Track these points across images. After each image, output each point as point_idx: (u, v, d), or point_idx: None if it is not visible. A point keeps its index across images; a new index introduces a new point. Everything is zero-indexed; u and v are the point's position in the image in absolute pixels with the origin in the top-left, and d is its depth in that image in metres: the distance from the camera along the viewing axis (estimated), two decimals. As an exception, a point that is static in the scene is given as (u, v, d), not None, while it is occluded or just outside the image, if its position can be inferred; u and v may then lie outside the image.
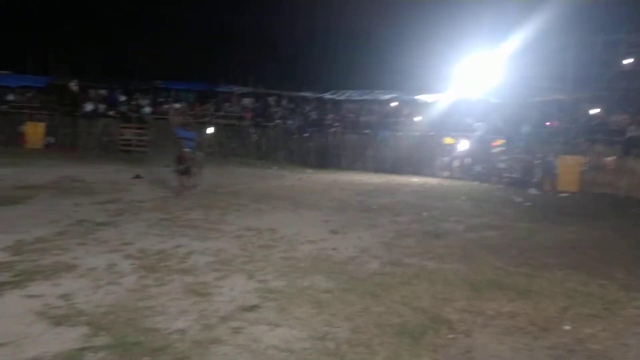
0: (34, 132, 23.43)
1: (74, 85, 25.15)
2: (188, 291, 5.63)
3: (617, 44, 19.78)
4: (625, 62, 19.69)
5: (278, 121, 25.19)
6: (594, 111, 18.98)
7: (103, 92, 26.68)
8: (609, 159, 15.59)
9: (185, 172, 12.33)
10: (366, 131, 22.91)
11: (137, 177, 15.02)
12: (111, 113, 25.06)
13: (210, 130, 23.43)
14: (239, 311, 5.14)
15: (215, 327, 4.72)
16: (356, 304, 5.45)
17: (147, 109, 25.56)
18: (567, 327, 5.06)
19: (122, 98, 26.39)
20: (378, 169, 20.78)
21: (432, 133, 20.90)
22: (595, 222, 10.72)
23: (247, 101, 27.29)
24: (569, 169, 15.98)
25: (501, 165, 18.17)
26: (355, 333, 4.72)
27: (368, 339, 4.60)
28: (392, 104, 24.92)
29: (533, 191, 15.79)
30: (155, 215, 9.74)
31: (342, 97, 25.78)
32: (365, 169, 21.15)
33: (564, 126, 18.60)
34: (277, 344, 4.42)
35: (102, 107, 25.47)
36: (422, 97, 23.32)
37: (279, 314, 5.11)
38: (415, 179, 18.44)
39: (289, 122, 25.06)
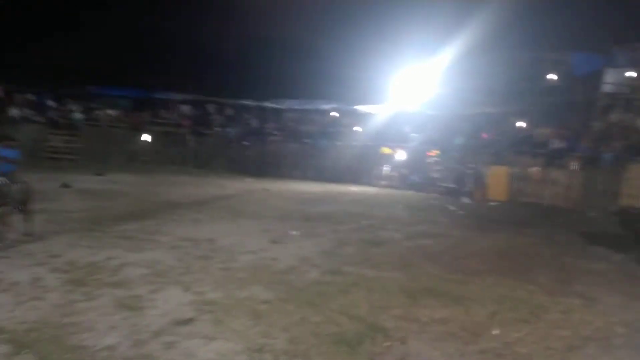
0: (-48, 138, 21.87)
1: None
2: (119, 305, 5.40)
3: (542, 61, 21.06)
4: (549, 78, 20.99)
5: (217, 129, 24.85)
6: (520, 124, 20.01)
7: (31, 97, 25.33)
8: (534, 169, 16.46)
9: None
10: (306, 140, 23.03)
11: (65, 185, 14.32)
12: (39, 119, 23.82)
13: (146, 137, 22.80)
14: (173, 325, 4.98)
15: (147, 343, 4.55)
16: (294, 314, 5.43)
17: (79, 115, 24.49)
18: (496, 332, 5.25)
19: (52, 103, 25.15)
20: (318, 178, 20.91)
21: (371, 143, 21.31)
22: (522, 230, 11.27)
23: (185, 108, 26.73)
24: (498, 179, 16.74)
25: (436, 175, 18.79)
26: (292, 344, 4.70)
27: (305, 350, 4.59)
28: (332, 114, 25.23)
29: (466, 200, 16.42)
30: (85, 225, 9.31)
31: (283, 106, 25.82)
32: (305, 178, 21.22)
33: (494, 138, 19.49)
34: (213, 358, 4.32)
35: (29, 112, 24.17)
36: (361, 108, 23.75)
37: (215, 326, 5.00)
38: (355, 188, 18.70)
39: (229, 130, 24.78)
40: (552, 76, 20.98)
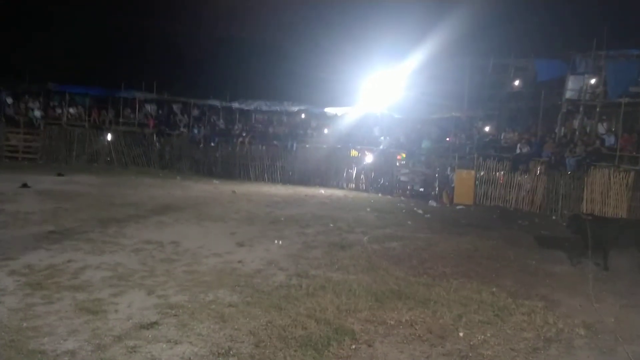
0: None
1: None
2: (80, 309, 5.25)
3: (507, 67, 21.59)
4: (514, 83, 21.52)
5: (183, 129, 24.45)
6: (486, 129, 20.42)
7: (-14, 93, 24.38)
8: (500, 173, 16.81)
9: None
10: (275, 142, 22.91)
11: (25, 186, 13.83)
12: (-5, 116, 22.96)
13: (109, 137, 22.25)
14: (136, 329, 4.86)
15: (109, 347, 4.43)
16: (261, 317, 5.37)
17: (38, 113, 23.70)
18: (462, 334, 5.32)
19: (9, 100, 24.26)
20: (286, 181, 20.83)
21: (339, 146, 21.36)
22: (487, 233, 11.46)
23: (150, 108, 26.21)
24: (464, 182, 17.02)
25: (403, 178, 18.95)
26: (258, 347, 4.65)
27: (272, 353, 4.54)
28: (301, 116, 25.19)
29: (432, 203, 16.62)
30: (45, 227, 9.01)
31: (251, 107, 25.58)
32: (273, 180, 21.12)
33: (460, 142, 19.82)
34: (177, 363, 4.24)
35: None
36: (330, 110, 23.80)
37: (180, 330, 4.91)
38: (323, 191, 18.70)
39: (195, 130, 24.42)
40: (517, 82, 21.52)
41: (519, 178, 16.40)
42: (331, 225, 11.33)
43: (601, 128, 17.10)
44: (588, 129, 17.55)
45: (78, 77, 25.78)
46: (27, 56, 27.40)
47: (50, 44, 28.72)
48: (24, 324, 4.79)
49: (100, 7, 30.41)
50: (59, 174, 17.42)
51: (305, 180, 20.60)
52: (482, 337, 5.29)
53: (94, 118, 24.54)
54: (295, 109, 24.90)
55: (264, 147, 22.13)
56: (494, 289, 6.95)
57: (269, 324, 5.19)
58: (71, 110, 24.74)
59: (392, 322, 5.50)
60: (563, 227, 12.77)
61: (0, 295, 5.51)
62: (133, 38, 30.97)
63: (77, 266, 6.77)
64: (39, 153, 21.87)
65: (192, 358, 4.35)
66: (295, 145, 22.21)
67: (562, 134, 18.12)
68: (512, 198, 16.43)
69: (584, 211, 13.25)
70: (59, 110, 24.67)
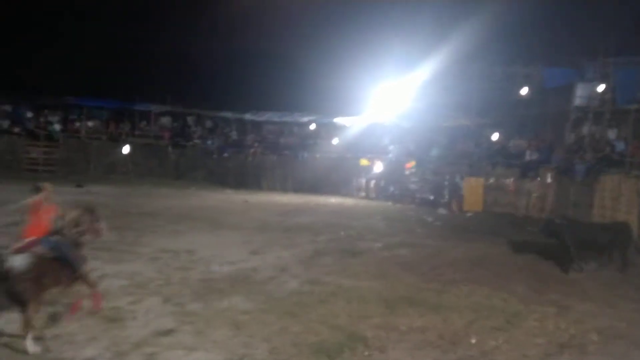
0: None
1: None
2: (99, 317, 5.41)
3: (514, 75, 21.60)
4: (522, 91, 21.50)
5: (197, 141, 24.77)
6: (495, 136, 20.41)
7: (7, 107, 24.91)
8: (509, 180, 16.79)
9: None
10: (286, 152, 23.11)
11: (43, 197, 14.10)
12: (16, 130, 23.44)
13: (125, 149, 22.59)
14: (154, 336, 5.01)
15: (128, 354, 4.58)
16: (274, 324, 5.49)
17: (57, 126, 24.18)
18: (473, 340, 5.38)
19: (29, 114, 24.78)
20: (297, 190, 20.97)
21: (349, 155, 21.49)
22: (497, 240, 11.47)
23: (165, 120, 26.61)
24: (474, 190, 17.02)
25: (413, 186, 19.00)
26: (273, 354, 4.76)
27: (286, 359, 4.65)
28: (311, 127, 25.38)
29: (442, 211, 16.64)
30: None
31: (262, 119, 25.86)
32: (285, 189, 21.27)
33: (469, 150, 19.83)
34: (194, 368, 4.37)
35: (5, 123, 23.77)
36: (339, 120, 23.96)
37: (196, 337, 5.04)
38: (333, 199, 18.81)
39: (209, 142, 24.73)
40: (525, 89, 21.49)
41: (529, 185, 16.38)
42: (342, 233, 11.44)
43: (611, 134, 17.02)
44: (597, 136, 17.47)
45: (95, 90, 26.22)
46: (46, 71, 27.93)
47: (67, 58, 29.25)
48: (45, 332, 4.94)
49: (116, 21, 30.95)
50: (78, 185, 17.77)
51: (316, 189, 20.73)
52: (494, 343, 5.34)
53: (111, 131, 24.97)
54: (306, 119, 25.12)
55: (275, 157, 22.34)
56: (505, 295, 7.00)
57: (282, 331, 5.31)
58: (89, 123, 25.20)
59: (404, 329, 5.58)
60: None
61: (22, 304, 5.66)
62: (148, 51, 31.43)
63: (96, 274, 6.90)
64: (58, 165, 22.27)
65: (208, 364, 4.47)
66: (305, 155, 22.39)
67: (571, 140, 18.06)
68: (521, 205, 16.40)
69: (595, 218, 13.22)
70: (77, 124, 25.14)
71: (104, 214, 11.86)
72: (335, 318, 5.75)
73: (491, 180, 16.97)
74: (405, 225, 13.13)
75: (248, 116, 25.78)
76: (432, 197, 18.25)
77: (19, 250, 4.94)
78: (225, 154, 23.35)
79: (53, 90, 25.55)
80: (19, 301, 4.63)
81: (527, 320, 6.09)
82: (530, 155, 17.70)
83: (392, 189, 19.59)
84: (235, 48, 32.11)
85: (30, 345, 4.57)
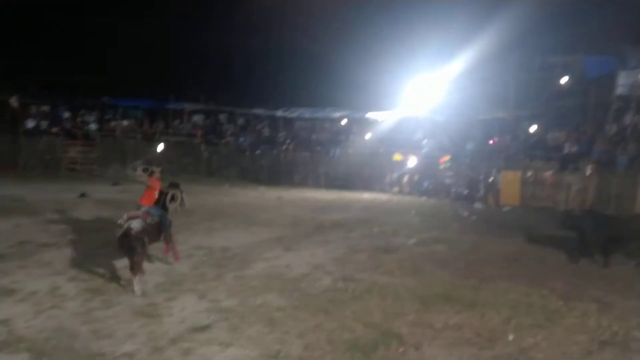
0: (-29, 150, 22.23)
1: (14, 102, 24.09)
2: (136, 313, 5.50)
3: (553, 65, 20.97)
4: (561, 81, 20.87)
5: (229, 138, 25.06)
6: (532, 128, 19.92)
7: (45, 108, 25.73)
8: (548, 174, 16.35)
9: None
10: (318, 148, 23.13)
11: (83, 195, 14.52)
12: (54, 130, 24.18)
13: (160, 147, 23.03)
14: (190, 332, 5.06)
15: (165, 349, 4.64)
16: (309, 320, 5.48)
17: (94, 126, 24.84)
18: (511, 337, 5.26)
19: (67, 114, 25.52)
20: (330, 186, 20.96)
21: (382, 150, 21.33)
22: (535, 235, 11.18)
23: (197, 118, 27.00)
24: (511, 183, 16.65)
25: (448, 181, 18.73)
26: (307, 350, 4.75)
27: (320, 356, 4.63)
28: (343, 122, 25.31)
29: (478, 205, 16.34)
30: (103, 235, 9.44)
31: (294, 115, 25.95)
32: (317, 185, 21.29)
33: (506, 143, 19.41)
34: (229, 364, 4.40)
35: (44, 123, 24.55)
36: (371, 115, 23.81)
37: (231, 333, 5.07)
38: (366, 195, 18.72)
39: (241, 139, 24.98)
40: (564, 79, 20.85)
41: (568, 178, 15.90)
42: (375, 229, 11.36)
43: (656, 124, 16.38)
44: (640, 126, 16.83)
45: (130, 90, 26.83)
46: (82, 71, 28.73)
47: (103, 59, 30.02)
48: (85, 328, 5.05)
49: (150, 21, 31.51)
50: (115, 184, 18.20)
51: (348, 185, 20.67)
52: (533, 340, 5.21)
53: (145, 129, 25.51)
54: (337, 115, 25.07)
55: (307, 154, 22.38)
56: (544, 292, 6.81)
57: (316, 327, 5.29)
58: (124, 122, 25.81)
59: (440, 326, 5.49)
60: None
61: (61, 300, 5.81)
62: (181, 50, 31.96)
63: (133, 272, 7.07)
64: (96, 164, 22.87)
65: (243, 360, 4.49)
66: (337, 150, 22.34)
67: (613, 131, 17.44)
68: (561, 199, 15.94)
69: (637, 211, 12.75)
70: (113, 123, 25.77)
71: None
72: (370, 315, 5.69)
73: (529, 174, 16.55)
74: (440, 221, 12.94)
75: (280, 113, 25.92)
76: (467, 192, 17.96)
77: (134, 217, 6.96)
78: (258, 151, 23.54)
79: (89, 90, 26.28)
80: (133, 252, 6.47)
81: (567, 317, 5.91)
82: (569, 148, 17.21)
83: (426, 184, 19.36)
84: (266, 45, 32.29)
85: (137, 287, 6.21)
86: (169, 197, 7.80)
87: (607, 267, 8.35)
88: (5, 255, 7.63)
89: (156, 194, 7.73)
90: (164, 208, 7.68)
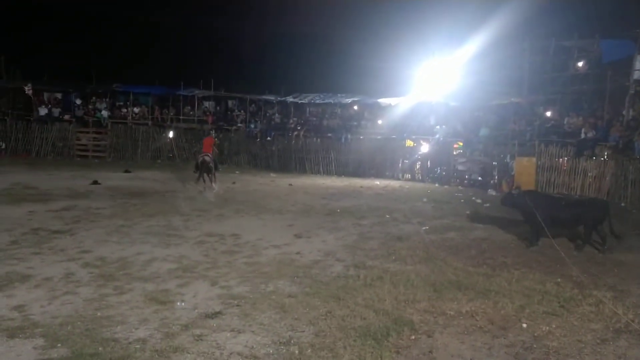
0: (-16, 137, 22.47)
1: (27, 89, 24.28)
2: (149, 299, 5.53)
3: (569, 49, 20.56)
4: (578, 65, 20.49)
5: (240, 125, 25.04)
6: (548, 114, 19.62)
7: (58, 95, 25.90)
8: (563, 160, 16.11)
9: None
10: (329, 134, 23.03)
11: (95, 183, 14.62)
12: (66, 117, 24.35)
13: (170, 134, 23.08)
14: (202, 318, 5.07)
15: (177, 335, 4.65)
16: (320, 307, 5.46)
17: (105, 113, 24.97)
18: (525, 325, 5.20)
19: (78, 102, 25.68)
20: (341, 172, 20.90)
21: (394, 136, 21.18)
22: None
23: (208, 104, 27.01)
24: (525, 170, 16.44)
25: (461, 167, 18.56)
26: (319, 337, 4.73)
27: (332, 343, 4.61)
28: (354, 108, 25.15)
29: (492, 192, 16.19)
30: (115, 222, 9.52)
31: (304, 101, 25.82)
32: (328, 172, 21.24)
33: (520, 128, 19.15)
34: (241, 351, 4.39)
35: (56, 111, 24.73)
36: (383, 101, 23.61)
37: (243, 320, 5.07)
38: (378, 182, 18.63)
39: (252, 125, 24.95)
40: (580, 64, 20.46)
41: (584, 164, 15.65)
42: (387, 216, 11.30)
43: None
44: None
45: (140, 77, 26.90)
46: (94, 59, 28.84)
47: (113, 46, 30.09)
48: (98, 314, 5.08)
49: (160, 9, 31.46)
50: (126, 171, 18.30)
51: (360, 171, 20.60)
52: (547, 328, 5.14)
53: (156, 116, 25.58)
54: (349, 100, 24.91)
55: (318, 140, 22.28)
56: (559, 279, 6.73)
57: (328, 314, 5.27)
58: (135, 109, 25.90)
59: (452, 313, 5.45)
60: (633, 214, 12.18)
61: (75, 286, 5.86)
62: (190, 37, 31.92)
63: (145, 258, 7.11)
64: (107, 151, 23.00)
65: (254, 347, 4.49)
66: (349, 136, 22.23)
67: (630, 116, 17.12)
68: (576, 185, 15.72)
69: None
70: (124, 110, 25.88)
71: (152, 198, 12.30)
72: (382, 302, 5.66)
73: (544, 160, 16.33)
74: (453, 208, 12.85)
75: (291, 99, 25.80)
76: (480, 178, 17.80)
77: (202, 154, 14.11)
78: (269, 138, 23.50)
79: (101, 77, 26.38)
80: (210, 170, 14.06)
81: (581, 305, 5.82)
82: (586, 133, 16.93)
83: (438, 170, 19.23)
84: (277, 31, 32.11)
85: (215, 186, 13.89)
86: (214, 147, 14.75)
87: (534, 246, 8.55)
88: (20, 242, 7.71)
89: (211, 145, 14.58)
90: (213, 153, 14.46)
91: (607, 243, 8.52)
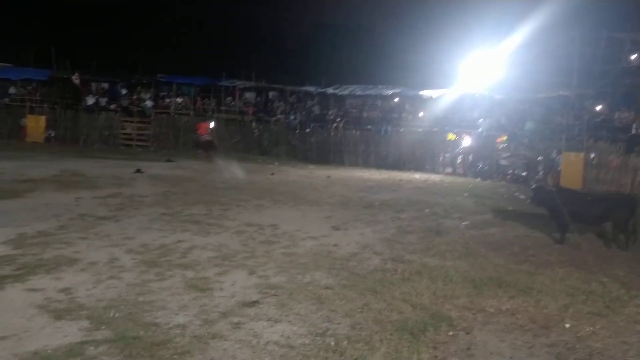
0: (35, 125, 23.45)
1: (75, 79, 25.11)
2: (189, 286, 5.63)
3: (622, 41, 19.71)
4: (630, 58, 19.64)
5: (280, 116, 25.19)
6: (598, 108, 18.92)
7: (105, 85, 26.69)
8: (612, 156, 15.50)
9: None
10: (369, 127, 22.88)
11: (138, 171, 15.03)
12: (112, 107, 25.07)
13: (211, 124, 23.45)
14: (240, 307, 5.13)
15: (216, 323, 4.72)
16: (356, 300, 5.44)
17: (149, 103, 25.57)
18: (568, 325, 5.04)
19: (124, 91, 26.40)
20: (380, 165, 20.74)
21: (435, 129, 20.86)
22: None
23: (249, 96, 27.27)
24: (573, 166, 15.90)
25: (504, 162, 18.11)
26: (355, 329, 4.72)
27: (368, 335, 4.59)
28: (395, 100, 24.87)
29: (536, 188, 15.73)
30: (157, 210, 9.74)
31: (345, 92, 25.71)
32: (367, 165, 21.12)
33: (568, 123, 18.54)
34: (277, 340, 4.42)
35: (103, 100, 25.49)
36: (425, 93, 23.26)
37: (280, 309, 5.10)
38: (418, 176, 18.41)
39: (291, 117, 25.05)
40: (633, 56, 19.58)
41: (635, 161, 15.00)
42: (427, 210, 11.15)
43: None
44: None
45: (184, 67, 27.41)
46: (139, 50, 29.54)
47: (158, 37, 30.71)
48: (140, 299, 5.20)
49: (201, 1, 31.90)
50: (168, 160, 18.72)
51: (399, 164, 20.39)
52: (591, 328, 4.97)
53: (198, 107, 26.02)
54: (390, 92, 24.65)
55: (357, 132, 22.17)
56: (605, 279, 6.48)
57: (364, 307, 5.24)
58: (178, 99, 26.42)
59: (492, 310, 5.33)
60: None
61: (119, 271, 6.02)
62: (232, 28, 32.23)
63: (186, 246, 7.25)
64: (150, 140, 23.57)
65: (291, 336, 4.51)
66: (389, 129, 22.02)
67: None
68: (627, 182, 15.09)
69: None
70: (167, 100, 26.44)
71: (193, 188, 12.54)
72: (419, 297, 5.59)
73: (592, 156, 15.74)
74: (495, 203, 12.56)
75: (330, 90, 25.74)
76: (525, 174, 17.32)
77: (202, 135, 18.59)
78: (308, 129, 23.54)
79: (146, 68, 27.01)
80: (211, 147, 18.28)
81: (628, 305, 5.61)
82: (637, 129, 16.25)
83: (481, 164, 18.83)
84: (318, 22, 32.05)
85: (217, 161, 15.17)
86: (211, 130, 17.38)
87: (561, 243, 8.32)
88: (68, 227, 7.98)
89: (208, 127, 17.68)
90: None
91: (633, 240, 8.20)
